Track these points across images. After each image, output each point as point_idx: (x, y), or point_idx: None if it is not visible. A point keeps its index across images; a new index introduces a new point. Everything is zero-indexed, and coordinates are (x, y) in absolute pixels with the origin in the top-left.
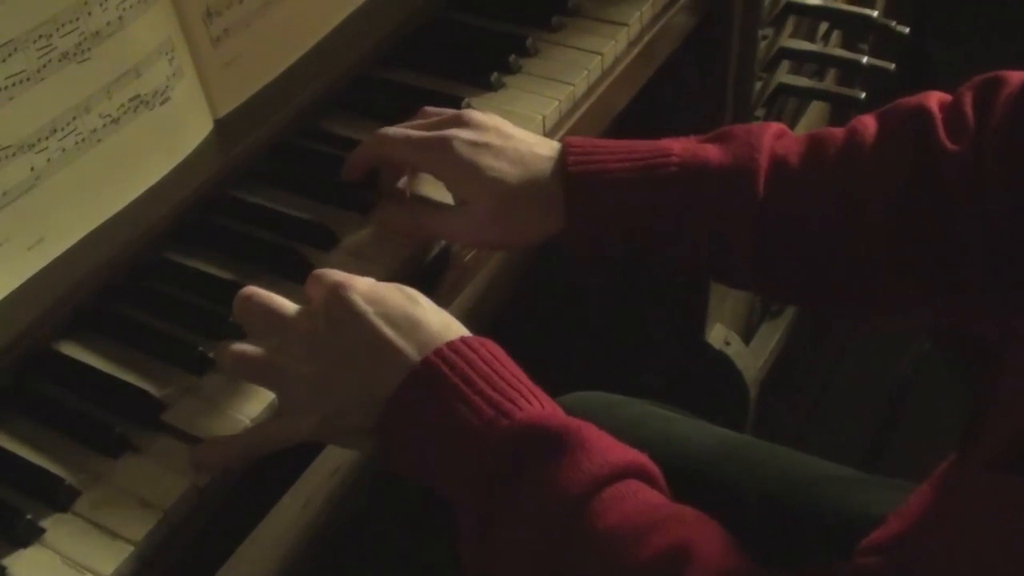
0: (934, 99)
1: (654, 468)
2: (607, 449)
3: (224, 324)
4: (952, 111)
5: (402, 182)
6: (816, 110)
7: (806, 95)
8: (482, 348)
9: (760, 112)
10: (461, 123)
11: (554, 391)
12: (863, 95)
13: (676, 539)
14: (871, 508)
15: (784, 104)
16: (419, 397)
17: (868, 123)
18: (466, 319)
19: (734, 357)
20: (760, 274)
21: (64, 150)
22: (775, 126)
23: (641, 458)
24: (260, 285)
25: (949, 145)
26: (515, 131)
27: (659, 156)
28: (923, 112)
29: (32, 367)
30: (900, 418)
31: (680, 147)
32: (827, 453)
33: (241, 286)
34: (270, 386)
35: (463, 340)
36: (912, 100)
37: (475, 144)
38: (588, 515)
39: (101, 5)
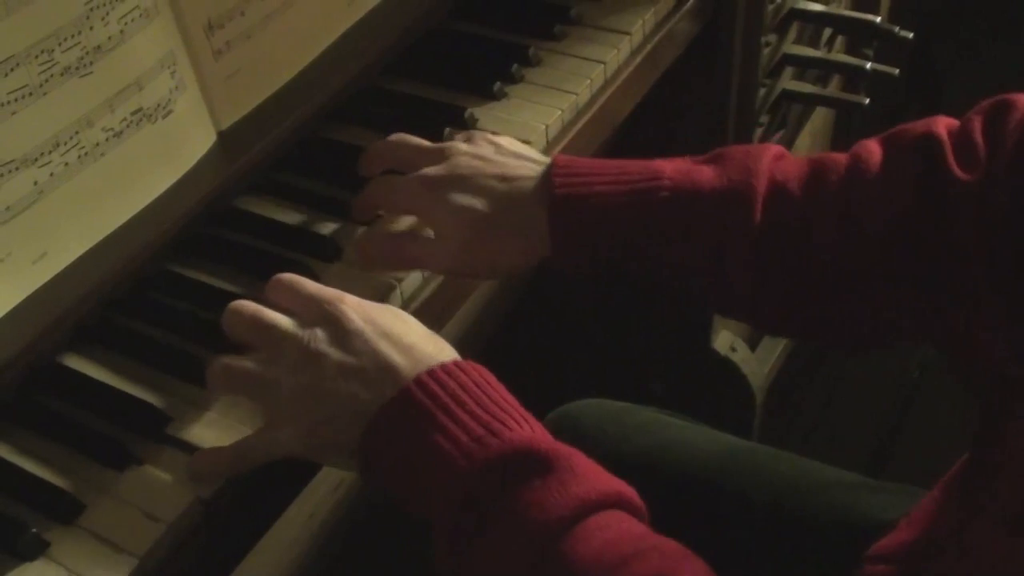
0: (942, 124)
1: (639, 501)
2: (595, 476)
3: (227, 336)
4: (962, 138)
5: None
6: (820, 116)
7: (810, 101)
8: (474, 372)
9: (764, 118)
10: (436, 158)
11: (561, 398)
12: (867, 100)
13: (661, 569)
14: (878, 514)
15: (788, 110)
16: (409, 415)
17: (872, 148)
18: (470, 329)
19: (740, 364)
20: (757, 302)
21: (67, 164)
22: (774, 148)
23: (628, 490)
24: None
25: (959, 174)
26: (498, 155)
27: (651, 179)
28: (931, 138)
29: (36, 381)
30: (906, 423)
31: (672, 169)
32: (833, 459)
33: (244, 297)
34: (258, 399)
35: (455, 363)
36: (919, 125)
37: (442, 179)
38: (571, 539)
39: (103, 19)
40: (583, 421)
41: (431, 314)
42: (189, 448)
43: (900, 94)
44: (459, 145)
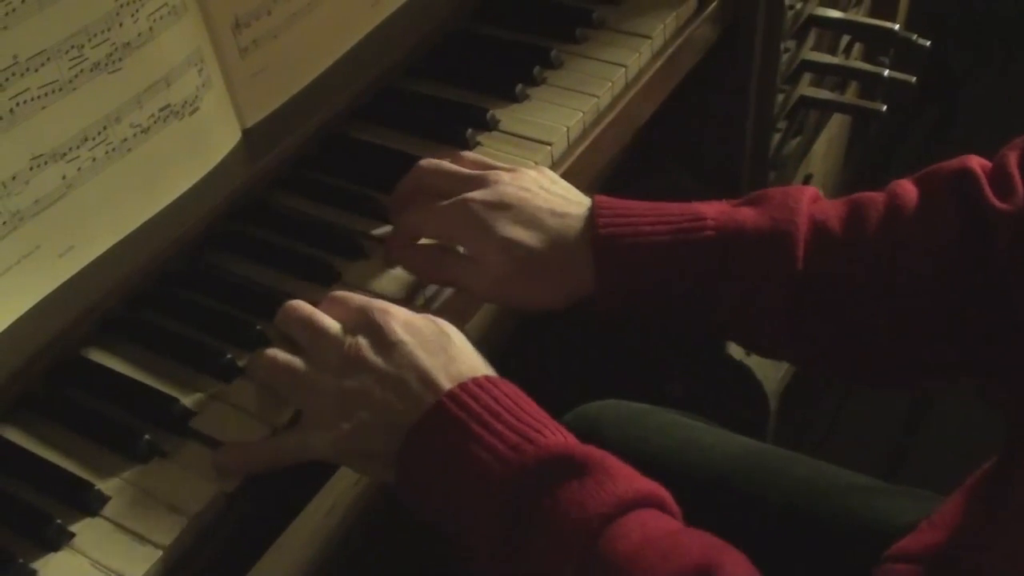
0: (975, 161)
1: (673, 503)
2: (631, 476)
3: (251, 331)
4: (997, 172)
5: None
6: (837, 122)
7: (827, 107)
8: (506, 386)
9: (782, 124)
10: (482, 183)
11: (578, 400)
12: (884, 108)
13: (703, 560)
14: (894, 517)
15: (805, 116)
16: (444, 428)
17: (907, 187)
18: (491, 327)
19: (754, 368)
20: (799, 341)
21: (95, 159)
22: (810, 190)
23: (662, 491)
24: (289, 292)
25: (999, 204)
26: (542, 188)
27: (693, 220)
28: (967, 173)
29: (62, 373)
30: (922, 427)
31: (714, 211)
32: (848, 463)
33: (268, 293)
34: (299, 397)
35: (487, 378)
36: (953, 163)
37: (491, 206)
38: (611, 536)
39: (132, 16)
40: (602, 422)
41: (453, 311)
42: (213, 443)
43: (916, 101)
44: (502, 173)
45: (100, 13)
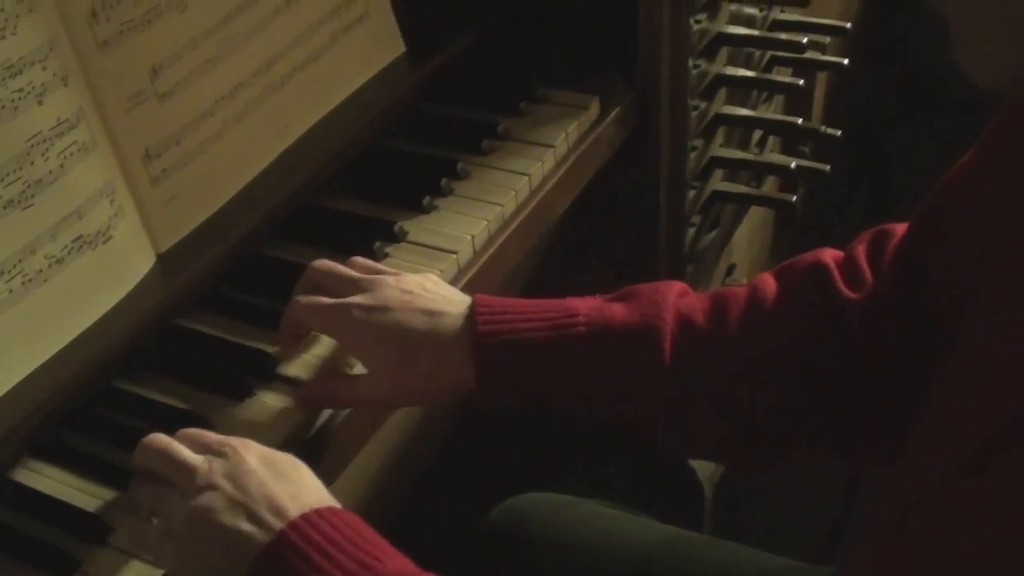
0: (828, 254)
1: None
2: None
3: None
4: (848, 264)
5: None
6: (759, 213)
7: (742, 201)
8: (347, 516)
9: (696, 219)
10: (365, 288)
11: (513, 490)
12: (793, 198)
13: None
14: None
15: (721, 210)
16: (287, 555)
17: (767, 280)
18: (432, 418)
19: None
20: (674, 431)
21: (11, 291)
22: (677, 285)
23: None
24: (204, 406)
25: (849, 294)
26: (424, 290)
27: (566, 315)
28: (820, 266)
29: None
30: (854, 513)
31: (586, 307)
32: (788, 546)
33: (184, 411)
34: (159, 519)
35: (331, 509)
36: (808, 256)
37: (371, 308)
38: None
39: (43, 155)
40: (529, 514)
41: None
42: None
43: (848, 186)
44: (387, 278)
45: (12, 153)
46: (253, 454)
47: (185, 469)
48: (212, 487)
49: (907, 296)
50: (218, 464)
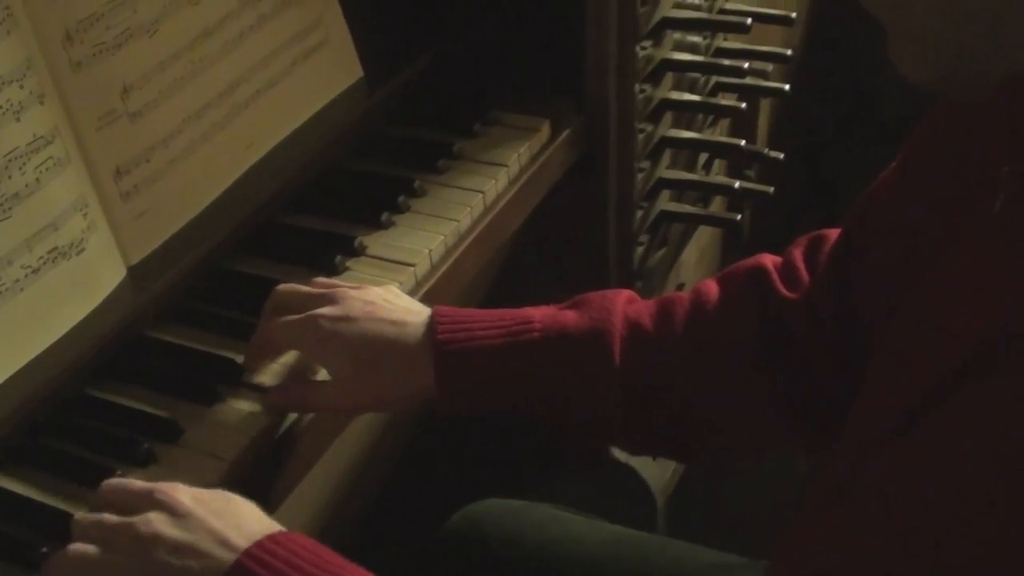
0: (767, 258)
1: None
2: None
3: (139, 449)
4: (785, 266)
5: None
6: (708, 233)
7: (690, 220)
8: (303, 539)
9: (644, 238)
10: (330, 300)
11: (471, 497)
12: (739, 217)
13: None
14: None
15: (668, 229)
16: None
17: (710, 285)
18: (389, 430)
19: (639, 468)
20: (631, 432)
21: None
22: (625, 292)
23: None
24: (175, 412)
25: (787, 294)
26: (386, 301)
27: (522, 323)
28: (759, 269)
29: None
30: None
31: (541, 315)
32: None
33: (160, 418)
34: None
35: (282, 533)
36: (748, 261)
37: (336, 319)
38: None
39: (20, 170)
40: (485, 520)
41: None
42: None
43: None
44: (350, 291)
45: None
46: (186, 495)
47: (122, 529)
48: (155, 537)
49: (842, 294)
50: (153, 514)
